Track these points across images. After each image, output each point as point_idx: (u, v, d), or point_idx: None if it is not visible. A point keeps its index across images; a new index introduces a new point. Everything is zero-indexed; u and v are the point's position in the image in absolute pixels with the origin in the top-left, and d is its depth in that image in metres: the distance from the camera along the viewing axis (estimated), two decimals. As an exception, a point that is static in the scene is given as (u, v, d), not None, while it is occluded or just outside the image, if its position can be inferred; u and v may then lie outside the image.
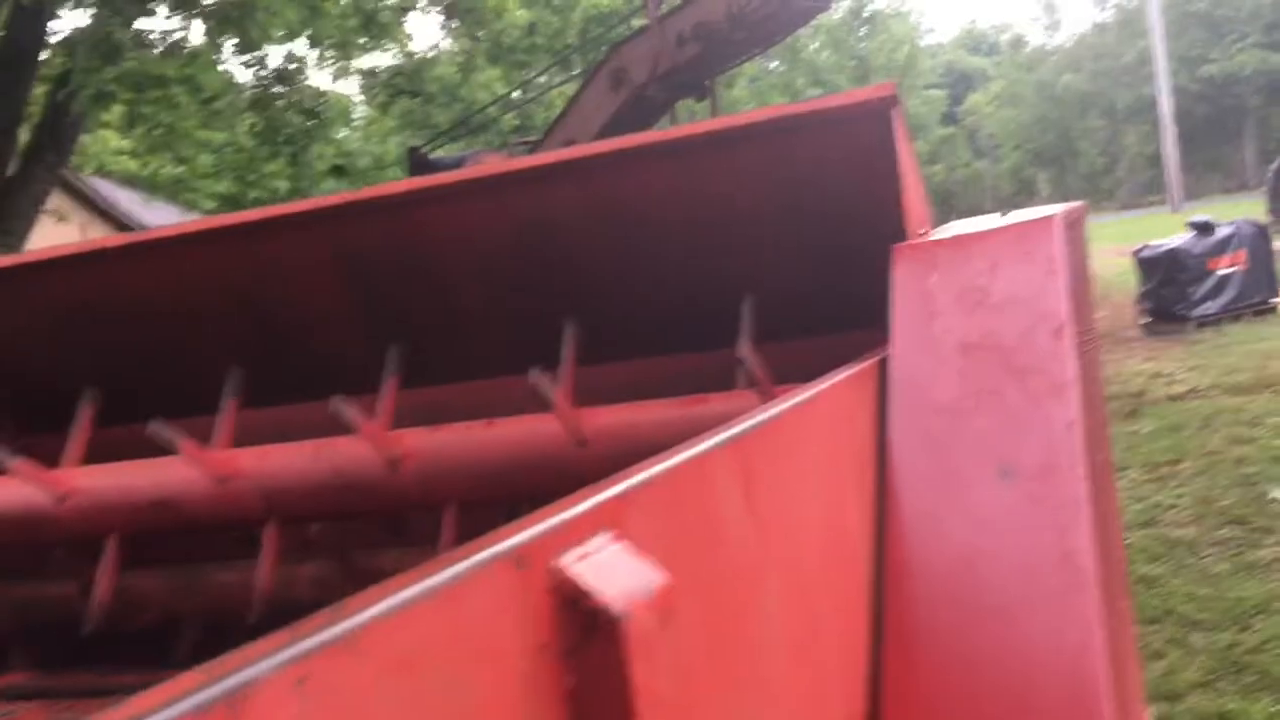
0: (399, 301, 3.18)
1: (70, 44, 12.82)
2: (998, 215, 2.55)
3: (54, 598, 3.20)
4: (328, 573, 3.03)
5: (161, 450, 2.96)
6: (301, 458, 2.92)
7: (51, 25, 13.35)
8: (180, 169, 19.25)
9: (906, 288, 2.22)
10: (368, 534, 3.12)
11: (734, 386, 2.72)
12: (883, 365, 2.12)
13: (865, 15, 38.43)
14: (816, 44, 36.08)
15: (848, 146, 2.57)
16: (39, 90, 13.27)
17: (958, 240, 2.27)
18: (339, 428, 2.92)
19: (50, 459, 3.09)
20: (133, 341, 3.38)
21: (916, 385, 2.05)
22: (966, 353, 2.04)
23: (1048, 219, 2.18)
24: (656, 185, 2.85)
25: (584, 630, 0.93)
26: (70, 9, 13.07)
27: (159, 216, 21.59)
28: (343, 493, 2.86)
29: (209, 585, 3.14)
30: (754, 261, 2.86)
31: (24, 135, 13.82)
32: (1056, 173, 72.09)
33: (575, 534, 0.99)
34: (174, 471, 2.91)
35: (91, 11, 12.78)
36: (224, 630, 3.12)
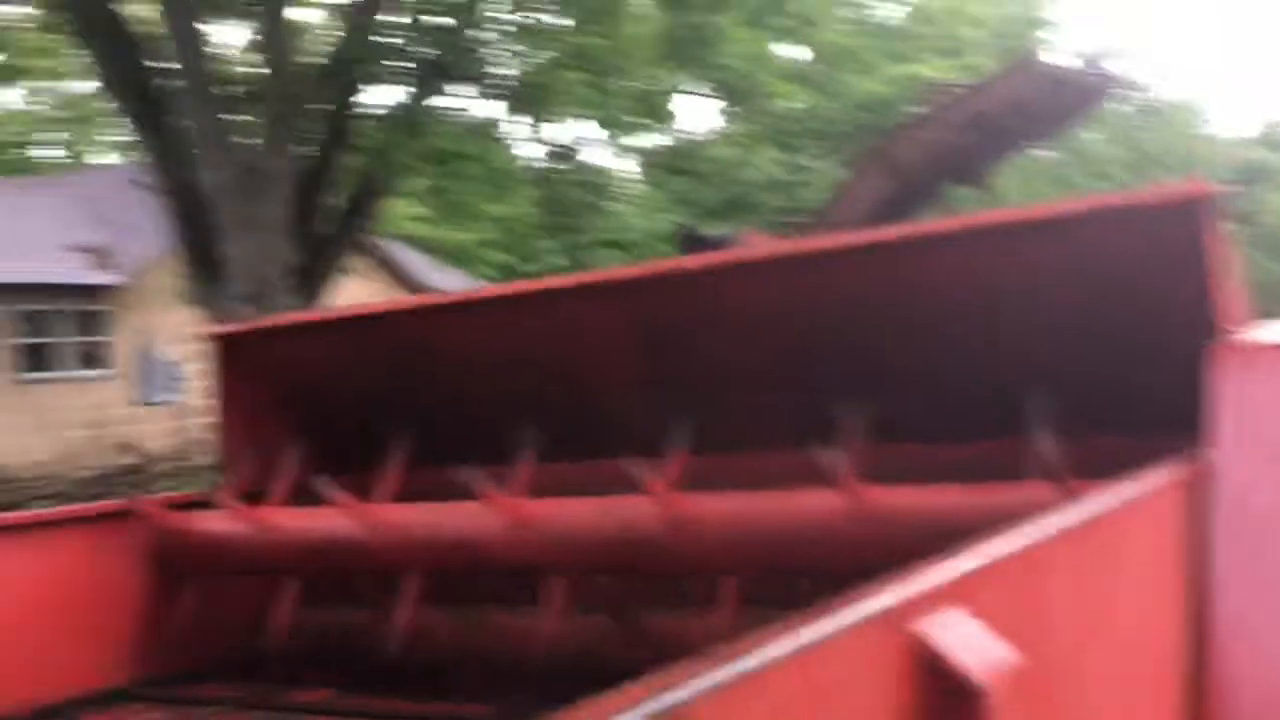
0: (692, 371, 3.30)
1: (384, 118, 14.00)
2: None
3: (355, 624, 3.47)
4: (606, 627, 3.15)
5: (463, 493, 3.18)
6: (592, 513, 3.07)
7: (364, 99, 14.63)
8: (465, 237, 20.53)
9: (1229, 391, 2.14)
10: (646, 593, 3.22)
11: (1022, 477, 2.68)
12: (1201, 469, 2.06)
13: (1151, 107, 36.89)
14: (1094, 135, 34.83)
15: (1159, 241, 2.52)
16: (353, 158, 14.52)
17: None
18: (625, 487, 3.06)
19: (361, 494, 3.36)
20: (444, 391, 3.65)
21: (1239, 489, 1.97)
22: None
23: None
24: (956, 271, 2.87)
25: (945, 697, 0.97)
26: (384, 85, 14.31)
27: (445, 280, 23.06)
28: (629, 550, 2.99)
29: (496, 627, 3.33)
30: (1050, 352, 2.81)
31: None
32: (1369, 278, 66.15)
33: (934, 603, 1.04)
34: (476, 516, 3.11)
35: (406, 89, 13.95)
36: (503, 671, 3.30)
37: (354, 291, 17.44)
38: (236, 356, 3.95)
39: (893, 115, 21.26)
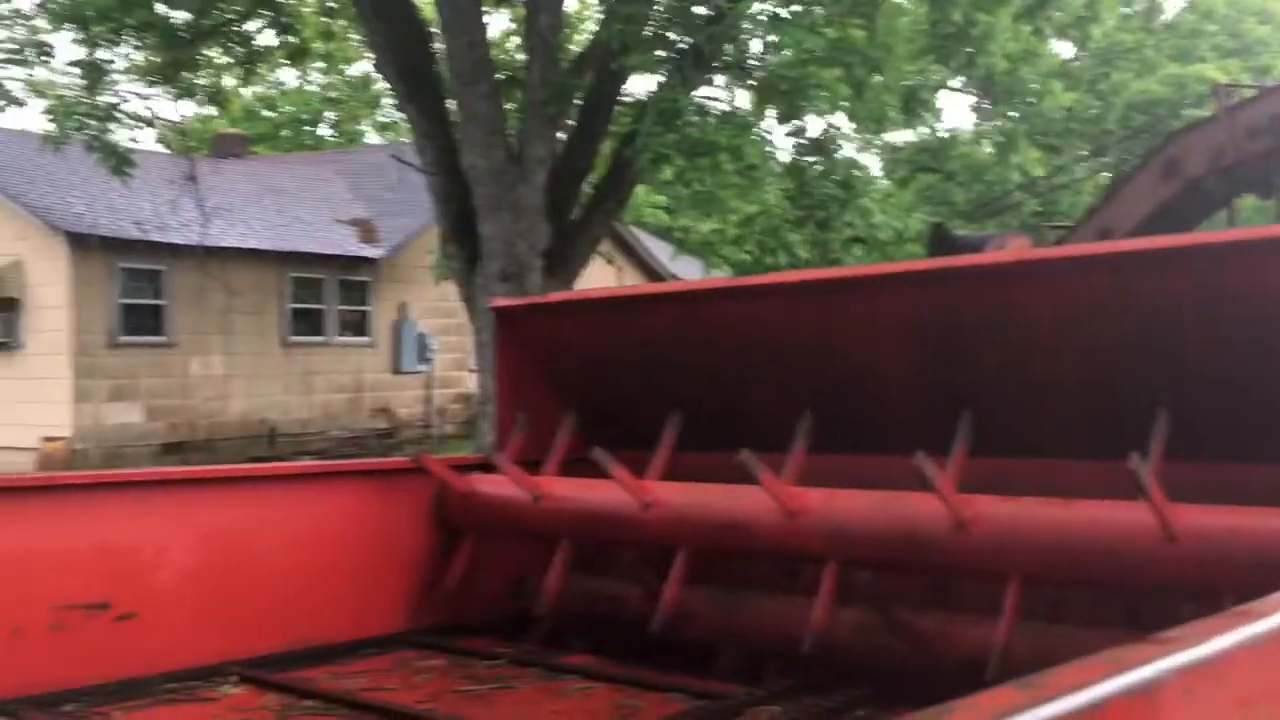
0: (976, 370, 3.21)
1: (640, 106, 14.24)
2: None
3: (621, 596, 3.55)
4: (870, 622, 3.11)
5: (728, 477, 3.20)
6: (867, 505, 3.03)
7: (624, 87, 14.92)
8: (708, 229, 20.74)
9: None
10: (913, 592, 3.16)
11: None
12: None
13: None
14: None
15: None
16: (606, 144, 14.85)
17: None
18: (889, 483, 3.00)
19: (630, 472, 3.43)
20: (717, 375, 3.68)
21: None
22: None
23: None
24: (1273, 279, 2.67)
25: None
26: (643, 73, 14.55)
27: (684, 270, 23.33)
28: (904, 545, 2.93)
29: (756, 611, 3.34)
30: None
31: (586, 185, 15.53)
32: None
33: None
34: (750, 499, 3.13)
35: (659, 79, 14.15)
36: (763, 655, 3.31)
37: (598, 274, 17.88)
38: (515, 330, 4.11)
39: (1169, 117, 20.08)
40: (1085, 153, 24.35)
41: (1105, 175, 21.50)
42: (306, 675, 3.18)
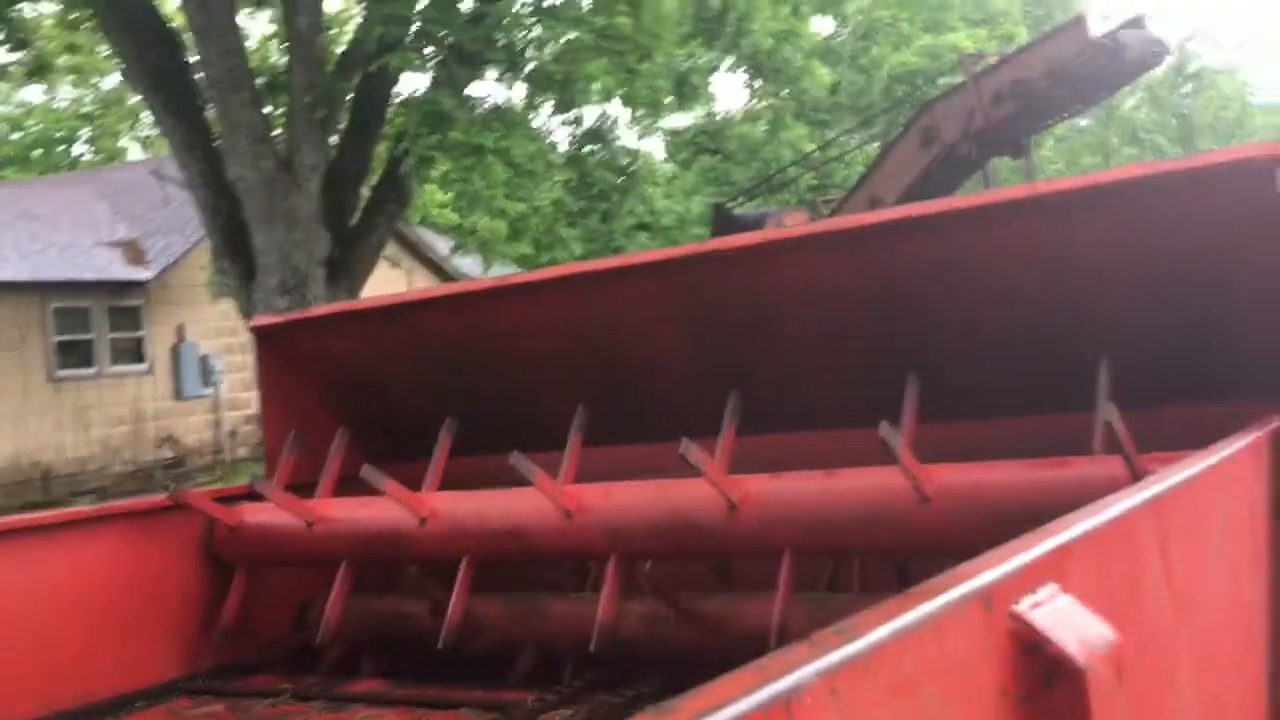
0: (740, 351, 3.25)
1: (407, 107, 13.99)
2: None
3: (407, 613, 3.45)
4: (658, 612, 3.11)
5: (509, 479, 3.14)
6: (644, 496, 3.02)
7: (396, 89, 14.61)
8: (492, 225, 20.71)
9: None
10: (697, 578, 3.18)
11: (1086, 452, 2.61)
12: (1277, 434, 1.98)
13: (1190, 72, 36.32)
14: (1134, 101, 34.38)
15: (1233, 204, 2.44)
16: (382, 147, 14.52)
17: None
18: (675, 469, 3.01)
19: (406, 483, 3.33)
20: (489, 378, 3.61)
21: None
22: None
23: None
24: (1014, 242, 2.79)
25: (1045, 678, 0.93)
26: (412, 72, 14.28)
27: (472, 266, 23.10)
28: (682, 533, 2.94)
29: (547, 614, 3.29)
30: (1115, 323, 2.74)
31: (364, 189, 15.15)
32: None
33: (1027, 581, 0.99)
34: (527, 502, 3.08)
35: (430, 75, 13.91)
36: (557, 658, 3.27)
37: (384, 277, 17.50)
38: (279, 348, 3.93)
39: (927, 85, 21.07)
40: (853, 125, 25.34)
41: (874, 145, 22.41)
42: None
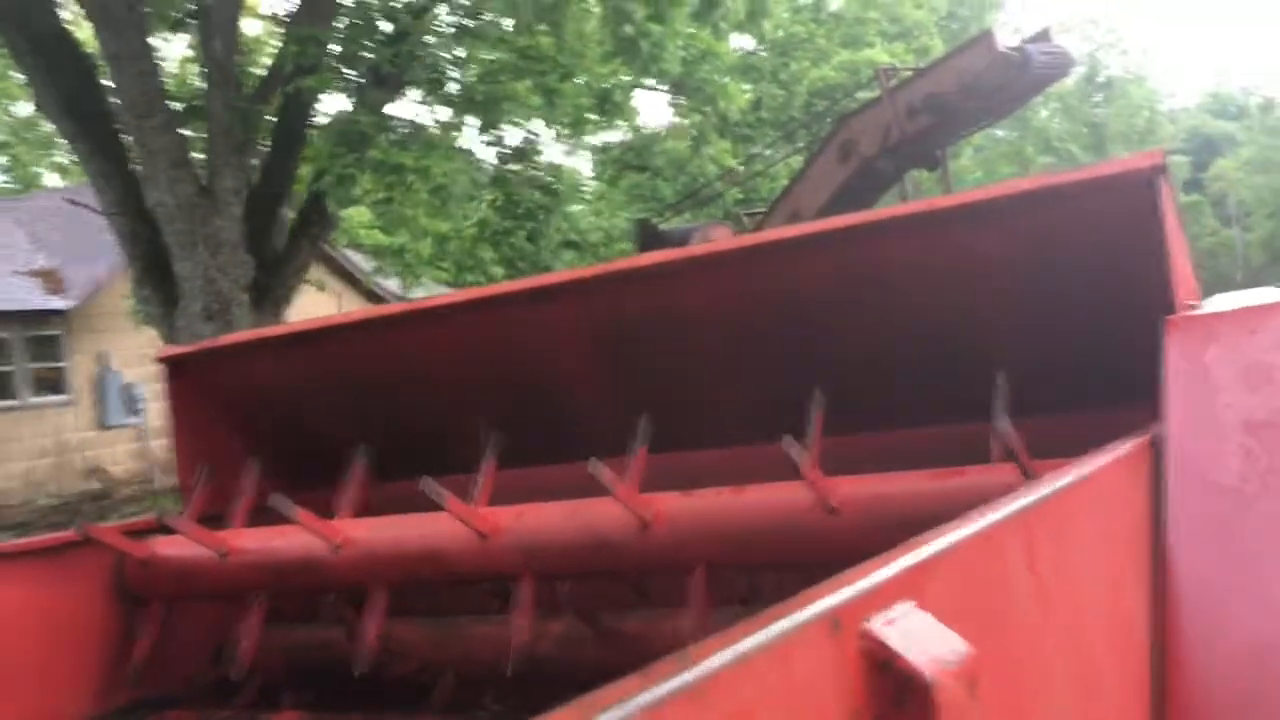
0: (651, 369, 3.28)
1: (324, 129, 13.87)
2: (1276, 288, 2.43)
3: (325, 642, 3.42)
4: (576, 631, 3.12)
5: (426, 505, 3.14)
6: (557, 517, 3.03)
7: (317, 108, 14.47)
8: (418, 246, 20.55)
9: (1182, 362, 2.14)
10: (614, 595, 3.20)
11: (985, 461, 2.67)
12: (1156, 443, 2.05)
13: (1100, 81, 37.25)
14: (1047, 111, 35.16)
15: (1113, 216, 2.52)
16: (305, 169, 14.38)
17: (1241, 313, 2.18)
18: (590, 489, 3.03)
19: (323, 511, 3.31)
20: (403, 403, 3.60)
21: (1195, 465, 1.97)
22: (1252, 432, 1.95)
23: None
24: (909, 257, 2.86)
25: (895, 696, 0.95)
26: (331, 94, 14.15)
27: (397, 287, 22.95)
28: (595, 551, 2.95)
29: (466, 637, 3.29)
30: (1009, 334, 2.81)
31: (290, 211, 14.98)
32: (1316, 243, 67.06)
33: (881, 599, 1.01)
34: (440, 526, 3.07)
35: (351, 99, 13.80)
36: (478, 681, 3.26)
37: (314, 301, 17.30)
38: (188, 378, 3.89)
39: (846, 99, 21.35)
40: (775, 140, 25.63)
41: (797, 159, 22.67)
42: None
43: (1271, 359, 2.03)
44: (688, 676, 0.79)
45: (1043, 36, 12.02)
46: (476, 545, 3.05)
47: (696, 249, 3.14)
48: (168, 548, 3.48)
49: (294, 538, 3.27)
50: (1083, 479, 1.64)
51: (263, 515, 3.54)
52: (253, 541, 3.41)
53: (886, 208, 2.99)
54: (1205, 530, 1.88)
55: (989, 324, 2.82)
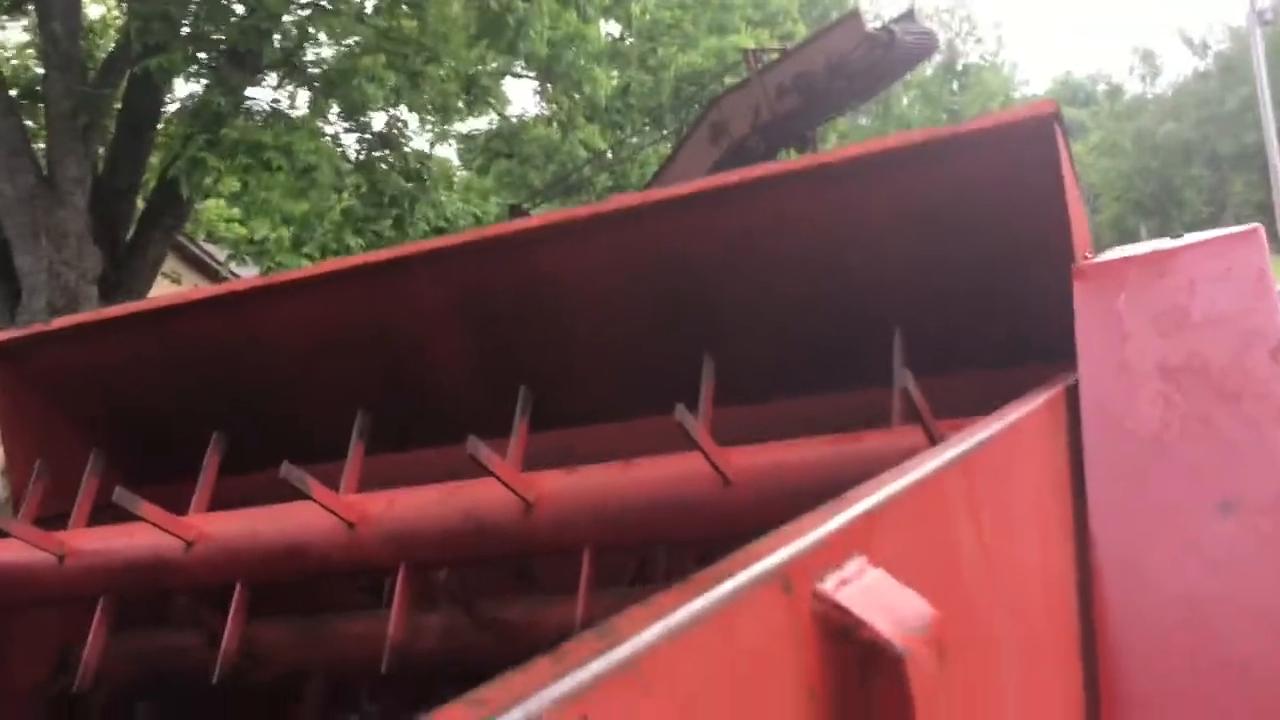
0: (527, 343, 3.09)
1: (176, 113, 13.25)
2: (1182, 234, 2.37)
3: (181, 647, 3.14)
4: (456, 623, 2.91)
5: (288, 495, 2.89)
6: (432, 502, 2.82)
7: (169, 95, 13.81)
8: (263, 235, 19.89)
9: (1092, 310, 2.04)
10: (495, 583, 3.00)
11: (887, 425, 2.55)
12: (1071, 393, 1.95)
13: (958, 69, 38.25)
14: (908, 99, 35.98)
15: (1010, 166, 2.42)
16: (156, 158, 13.71)
17: (1149, 258, 2.10)
18: (465, 472, 2.82)
19: (175, 506, 3.04)
20: (258, 386, 3.33)
21: (1111, 413, 1.87)
22: (1167, 377, 1.86)
23: (1253, 231, 1.99)
24: (794, 215, 2.72)
25: (861, 667, 0.78)
26: (184, 80, 13.51)
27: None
28: (476, 537, 2.75)
29: (336, 636, 3.05)
30: (905, 293, 2.70)
31: (141, 201, 14.27)
32: (1160, 223, 70.34)
33: (832, 555, 0.85)
34: (304, 517, 2.83)
35: (204, 83, 13.19)
36: (352, 682, 3.03)
37: (167, 294, 16.58)
38: (17, 366, 3.54)
39: (713, 84, 21.39)
40: (644, 126, 25.57)
41: (667, 145, 22.64)
42: None
43: (1183, 301, 1.94)
44: (616, 655, 0.60)
45: (907, 18, 12.18)
46: (345, 536, 2.81)
47: (570, 211, 2.95)
48: (1, 554, 3.15)
49: (141, 535, 2.99)
50: (1009, 427, 1.51)
51: (108, 513, 3.24)
52: (94, 542, 3.10)
53: (763, 164, 2.85)
54: (1125, 480, 1.78)
55: (884, 283, 2.70)
